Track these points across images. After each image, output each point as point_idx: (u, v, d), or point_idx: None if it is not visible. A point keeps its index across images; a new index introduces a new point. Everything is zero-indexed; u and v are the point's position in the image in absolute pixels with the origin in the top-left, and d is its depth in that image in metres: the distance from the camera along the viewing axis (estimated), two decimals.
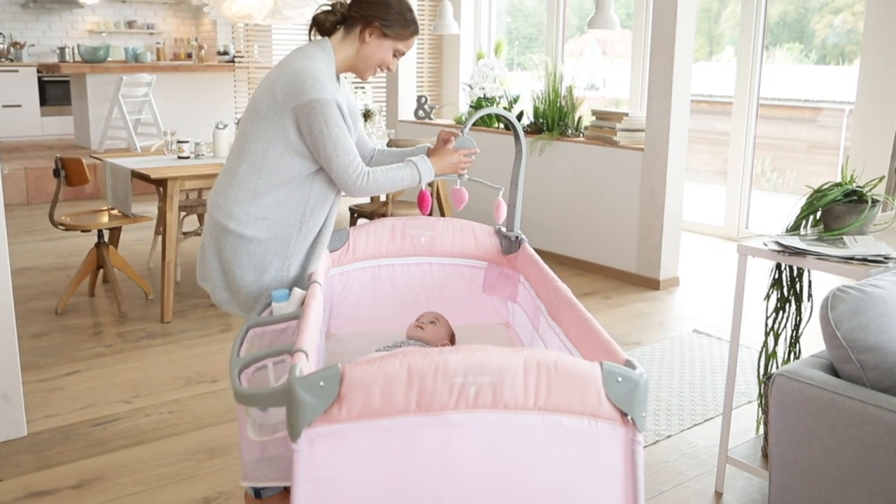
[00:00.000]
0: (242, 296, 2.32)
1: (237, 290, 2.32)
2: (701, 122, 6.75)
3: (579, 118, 5.63)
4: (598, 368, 1.51)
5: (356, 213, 5.07)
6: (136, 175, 4.33)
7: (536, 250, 2.61)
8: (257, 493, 2.43)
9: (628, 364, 1.56)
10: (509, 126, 2.64)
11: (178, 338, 4.00)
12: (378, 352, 2.47)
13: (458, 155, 2.44)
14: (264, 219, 2.27)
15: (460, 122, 6.31)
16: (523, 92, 6.33)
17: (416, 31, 2.35)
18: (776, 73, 6.29)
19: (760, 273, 3.07)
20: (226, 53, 10.35)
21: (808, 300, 2.70)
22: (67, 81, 9.36)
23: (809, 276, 2.70)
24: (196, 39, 10.73)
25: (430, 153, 2.46)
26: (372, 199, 5.41)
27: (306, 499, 1.45)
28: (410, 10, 2.33)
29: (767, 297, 2.70)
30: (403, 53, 2.37)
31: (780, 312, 2.68)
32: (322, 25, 2.33)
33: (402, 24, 2.30)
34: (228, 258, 2.30)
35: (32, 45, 10.01)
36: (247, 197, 2.25)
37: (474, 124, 6.18)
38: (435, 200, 5.23)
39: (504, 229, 2.74)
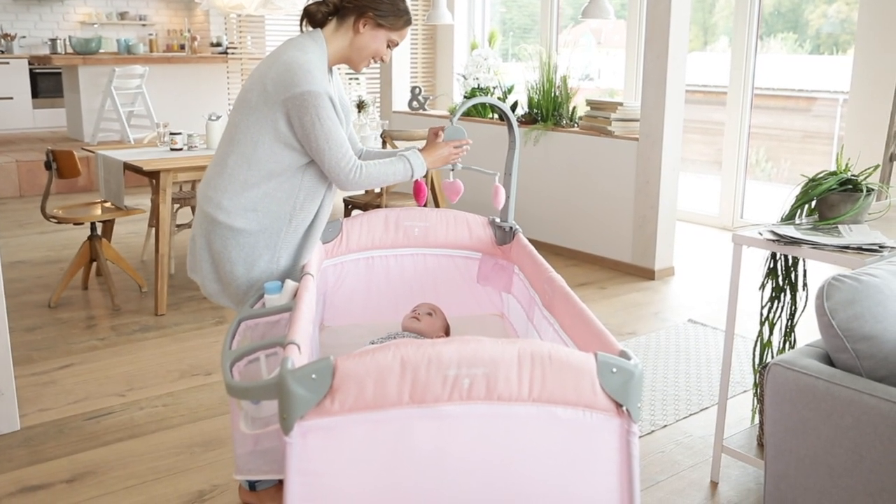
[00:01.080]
0: (233, 288, 2.31)
1: (227, 281, 2.31)
2: (696, 111, 6.73)
3: (574, 108, 5.61)
4: (593, 359, 1.50)
5: (350, 205, 5.05)
6: (129, 167, 4.31)
7: (531, 241, 2.60)
8: (252, 485, 2.42)
9: (623, 354, 1.55)
10: (503, 116, 2.63)
11: (172, 330, 3.99)
12: (372, 344, 2.46)
13: (449, 147, 2.43)
14: (254, 211, 2.25)
15: (454, 113, 6.30)
16: (518, 82, 6.31)
17: (409, 22, 2.33)
18: (771, 62, 6.28)
19: (756, 262, 3.07)
20: (219, 45, 10.30)
21: (804, 289, 2.70)
22: (59, 73, 9.31)
23: (804, 265, 2.69)
24: (189, 31, 10.67)
25: (420, 151, 2.46)
26: (366, 190, 5.39)
27: (299, 492, 1.44)
28: (403, 0, 2.32)
29: (762, 286, 2.69)
30: (397, 44, 2.36)
31: (776, 302, 2.68)
32: (314, 17, 2.31)
33: (395, 14, 2.28)
34: (218, 250, 2.29)
35: (23, 37, 9.95)
36: (236, 188, 2.24)
37: (468, 114, 6.17)
38: (429, 191, 5.21)
39: (498, 220, 2.73)
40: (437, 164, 2.42)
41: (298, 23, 2.36)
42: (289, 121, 2.18)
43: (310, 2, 2.32)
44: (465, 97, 6.28)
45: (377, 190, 5.15)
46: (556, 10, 6.66)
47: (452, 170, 2.50)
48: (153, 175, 4.26)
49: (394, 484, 1.47)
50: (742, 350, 3.70)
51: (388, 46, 2.34)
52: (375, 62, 2.36)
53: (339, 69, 2.45)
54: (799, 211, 2.60)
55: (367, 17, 2.25)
